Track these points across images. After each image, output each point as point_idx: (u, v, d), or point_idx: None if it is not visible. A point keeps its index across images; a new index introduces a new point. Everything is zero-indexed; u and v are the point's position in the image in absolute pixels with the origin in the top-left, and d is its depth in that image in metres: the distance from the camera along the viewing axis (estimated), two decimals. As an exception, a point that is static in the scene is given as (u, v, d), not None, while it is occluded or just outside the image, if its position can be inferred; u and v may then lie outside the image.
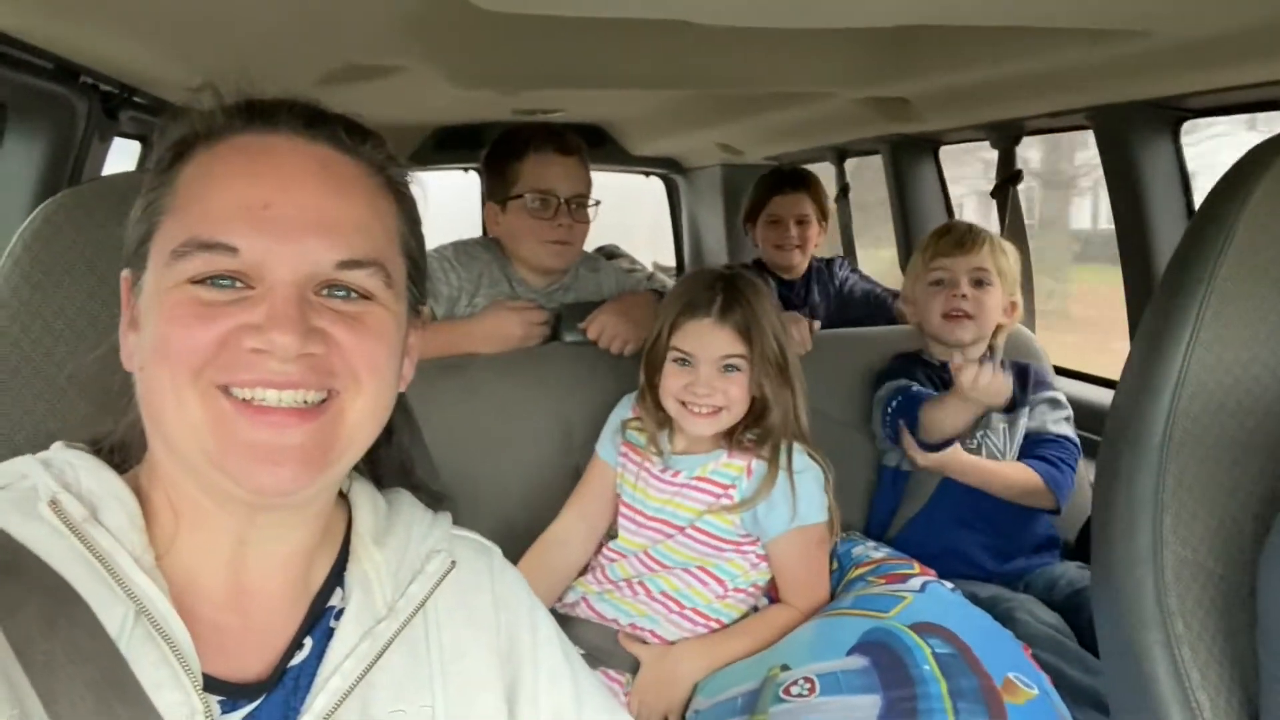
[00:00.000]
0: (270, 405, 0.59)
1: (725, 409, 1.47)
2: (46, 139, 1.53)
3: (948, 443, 1.68)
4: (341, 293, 0.62)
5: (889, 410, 1.77)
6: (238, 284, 0.60)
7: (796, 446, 1.49)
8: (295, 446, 0.60)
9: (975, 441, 1.76)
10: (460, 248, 1.93)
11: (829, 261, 2.65)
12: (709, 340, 1.47)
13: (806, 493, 1.47)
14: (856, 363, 1.86)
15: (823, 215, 2.58)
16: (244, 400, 0.59)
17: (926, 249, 1.87)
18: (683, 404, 1.48)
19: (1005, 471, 1.72)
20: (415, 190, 0.71)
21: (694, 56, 1.80)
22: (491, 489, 1.75)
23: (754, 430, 1.50)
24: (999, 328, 1.85)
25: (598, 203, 1.91)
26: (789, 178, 2.60)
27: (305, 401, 0.60)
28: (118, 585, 0.60)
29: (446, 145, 3.36)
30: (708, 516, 1.49)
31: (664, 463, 1.55)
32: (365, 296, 0.63)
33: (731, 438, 1.51)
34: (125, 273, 0.67)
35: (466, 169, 3.61)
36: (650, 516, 1.54)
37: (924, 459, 1.71)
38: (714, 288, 1.49)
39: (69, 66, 1.49)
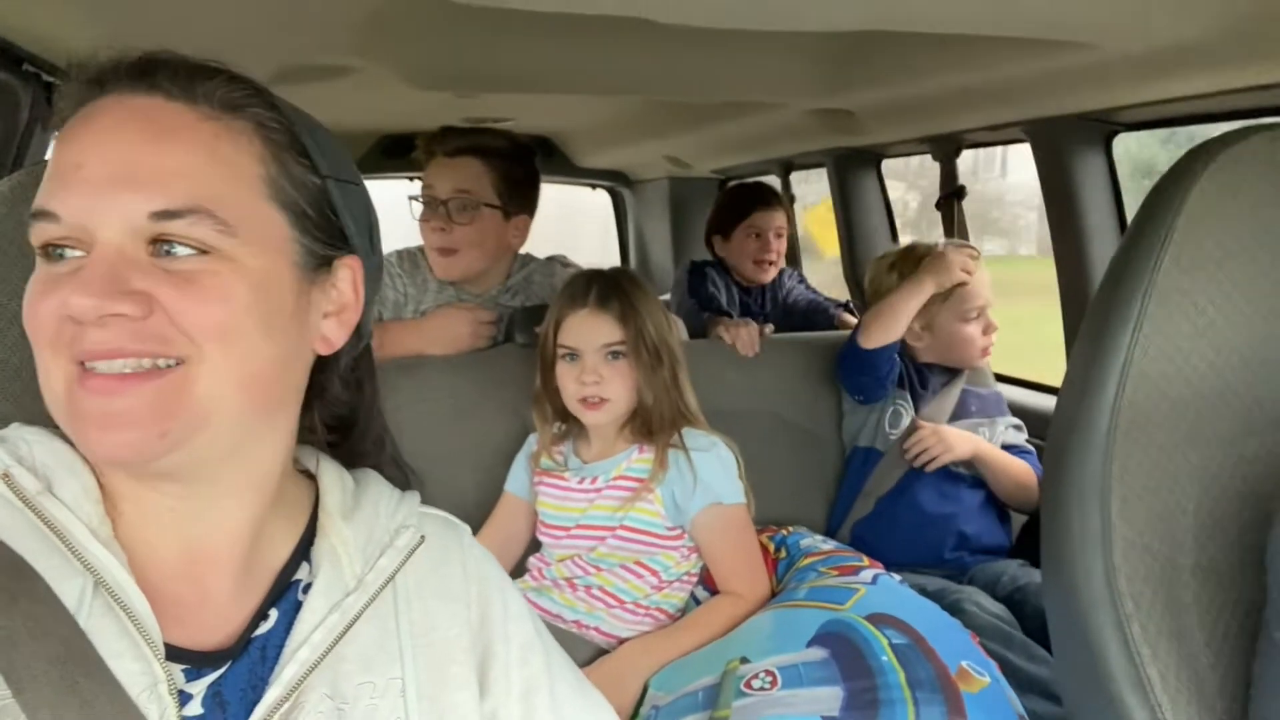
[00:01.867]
0: (100, 373, 0.58)
1: (610, 400, 1.51)
2: (-14, 128, 1.48)
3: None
4: (183, 250, 0.59)
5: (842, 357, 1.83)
6: (81, 253, 0.59)
7: (693, 430, 1.55)
8: (125, 411, 0.57)
9: None
10: (405, 255, 1.91)
11: (780, 271, 2.73)
12: (588, 329, 1.52)
13: (714, 471, 1.51)
14: (808, 367, 1.89)
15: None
16: (87, 370, 0.58)
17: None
18: (581, 401, 1.52)
19: (1017, 468, 1.79)
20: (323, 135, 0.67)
21: (647, 62, 1.82)
22: (447, 490, 1.72)
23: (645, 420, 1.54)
24: None
25: (491, 206, 1.78)
26: (767, 194, 2.70)
27: (141, 366, 0.58)
28: (74, 557, 0.58)
29: (392, 154, 3.34)
30: (631, 512, 1.51)
31: (580, 473, 1.57)
32: (204, 251, 0.59)
33: (638, 432, 1.55)
34: None
35: (412, 178, 3.57)
36: (575, 526, 1.55)
37: (956, 442, 1.75)
38: (591, 282, 1.55)
39: (10, 53, 1.45)
